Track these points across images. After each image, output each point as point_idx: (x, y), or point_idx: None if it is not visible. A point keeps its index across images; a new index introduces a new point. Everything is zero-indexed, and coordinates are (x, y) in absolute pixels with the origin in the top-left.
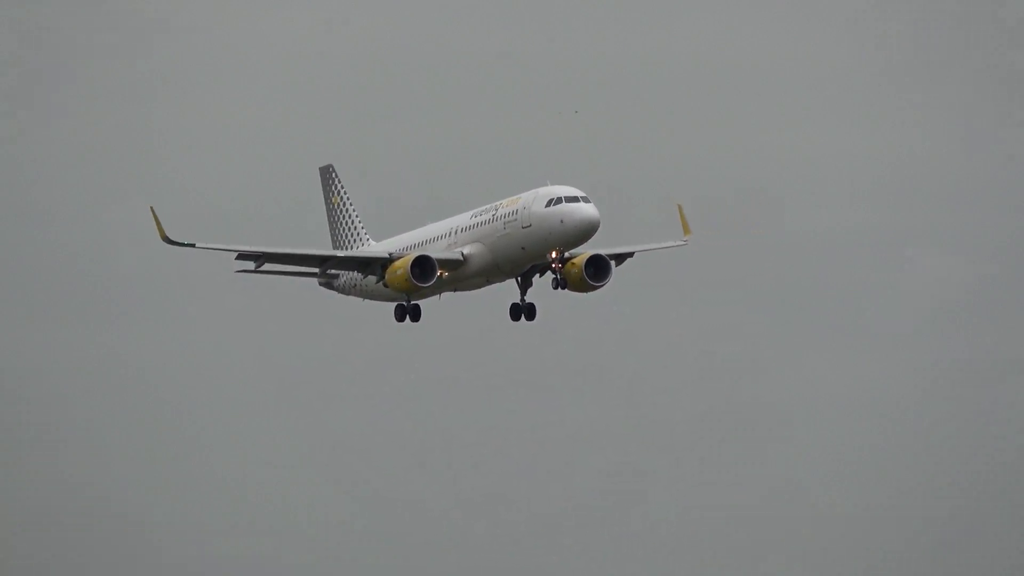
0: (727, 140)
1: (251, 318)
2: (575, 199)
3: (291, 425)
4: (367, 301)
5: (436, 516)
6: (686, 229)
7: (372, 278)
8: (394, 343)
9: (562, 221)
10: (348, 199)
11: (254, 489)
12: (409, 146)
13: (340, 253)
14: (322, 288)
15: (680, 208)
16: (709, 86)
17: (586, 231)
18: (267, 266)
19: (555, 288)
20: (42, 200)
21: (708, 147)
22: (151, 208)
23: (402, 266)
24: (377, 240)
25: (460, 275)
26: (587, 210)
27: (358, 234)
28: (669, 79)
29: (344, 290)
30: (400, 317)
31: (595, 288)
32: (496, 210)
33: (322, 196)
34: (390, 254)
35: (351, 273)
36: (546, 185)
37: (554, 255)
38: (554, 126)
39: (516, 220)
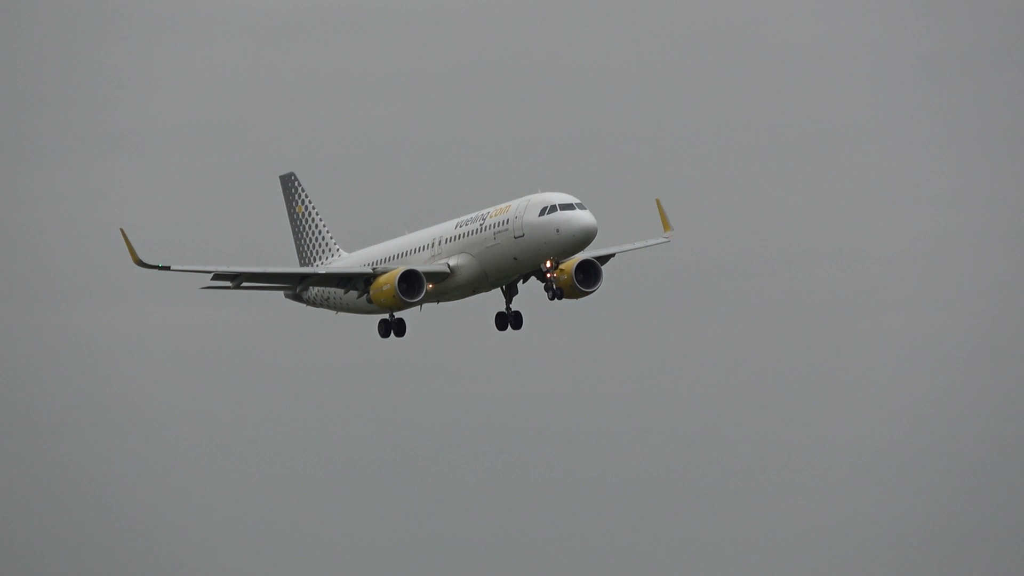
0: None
1: (222, 335)
2: (570, 206)
3: (286, 446)
4: (339, 314)
5: (430, 536)
6: (666, 224)
7: (353, 293)
8: (380, 358)
9: (558, 230)
10: (314, 208)
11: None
12: (378, 152)
13: (321, 270)
14: (289, 300)
15: (659, 202)
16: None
17: (583, 240)
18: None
19: (552, 299)
20: None
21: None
22: (121, 230)
23: (388, 281)
24: (348, 251)
25: (446, 287)
26: (584, 218)
27: (327, 245)
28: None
29: (314, 303)
30: (384, 333)
31: (586, 294)
32: (484, 219)
33: (284, 206)
34: (373, 268)
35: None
36: (536, 192)
37: (548, 265)
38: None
39: (507, 230)
